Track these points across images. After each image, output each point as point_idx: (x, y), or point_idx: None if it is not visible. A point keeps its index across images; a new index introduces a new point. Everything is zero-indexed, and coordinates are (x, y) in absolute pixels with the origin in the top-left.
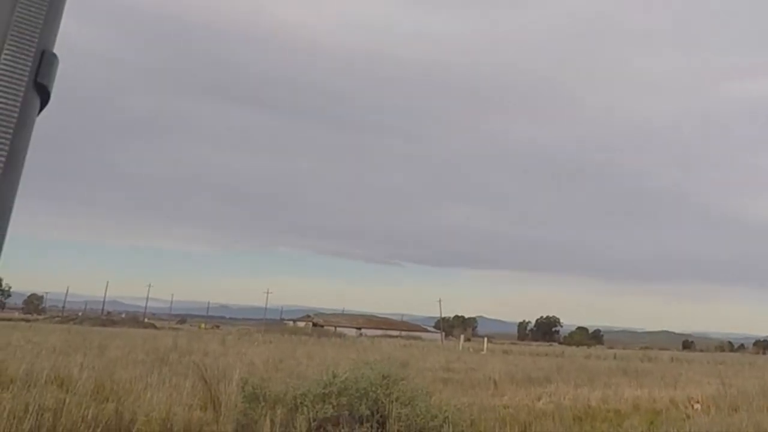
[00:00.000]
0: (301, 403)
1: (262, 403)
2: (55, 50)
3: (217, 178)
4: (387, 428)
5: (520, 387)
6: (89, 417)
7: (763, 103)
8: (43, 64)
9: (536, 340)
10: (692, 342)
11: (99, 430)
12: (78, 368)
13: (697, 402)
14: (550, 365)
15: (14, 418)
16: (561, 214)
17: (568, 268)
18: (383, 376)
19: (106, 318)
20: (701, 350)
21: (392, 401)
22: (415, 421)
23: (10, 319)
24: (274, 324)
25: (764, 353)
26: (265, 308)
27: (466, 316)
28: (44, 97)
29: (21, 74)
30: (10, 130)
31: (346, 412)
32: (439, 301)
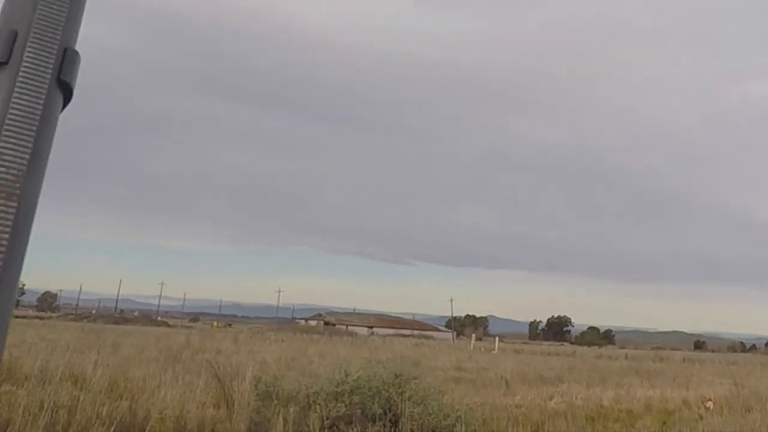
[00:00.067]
0: (313, 401)
1: (275, 401)
2: (76, 47)
3: (230, 178)
4: (400, 427)
5: (532, 386)
6: (103, 414)
7: None
8: (66, 61)
9: (547, 340)
10: (704, 342)
11: (113, 427)
12: (92, 366)
13: (710, 399)
14: (562, 365)
15: (29, 414)
16: (572, 214)
17: (580, 268)
18: (395, 375)
19: (119, 316)
20: (713, 350)
21: (405, 400)
22: (428, 420)
23: (24, 317)
24: (286, 322)
25: None
26: (277, 307)
27: (478, 315)
28: (67, 95)
29: (44, 72)
30: (34, 128)
31: (359, 411)
32: (451, 300)
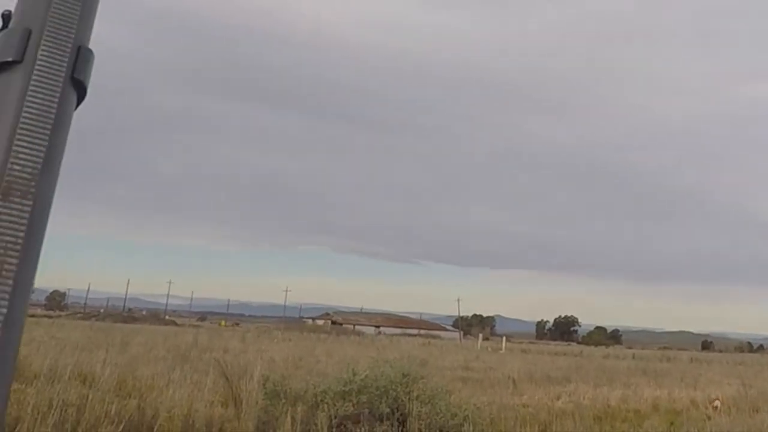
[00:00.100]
0: (321, 400)
1: (283, 400)
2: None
3: (239, 177)
4: (407, 426)
5: (539, 386)
6: (112, 413)
7: None
8: (80, 59)
9: (554, 340)
10: (711, 342)
11: (122, 425)
12: (101, 364)
13: (717, 399)
14: (569, 365)
15: (38, 413)
16: (580, 213)
17: (588, 268)
18: (403, 374)
19: (127, 315)
20: (720, 351)
21: (412, 399)
22: (435, 419)
23: (33, 315)
24: (294, 322)
25: None
26: (285, 306)
27: (485, 315)
28: (81, 93)
29: (58, 70)
30: (49, 126)
31: (367, 410)
32: (458, 300)
